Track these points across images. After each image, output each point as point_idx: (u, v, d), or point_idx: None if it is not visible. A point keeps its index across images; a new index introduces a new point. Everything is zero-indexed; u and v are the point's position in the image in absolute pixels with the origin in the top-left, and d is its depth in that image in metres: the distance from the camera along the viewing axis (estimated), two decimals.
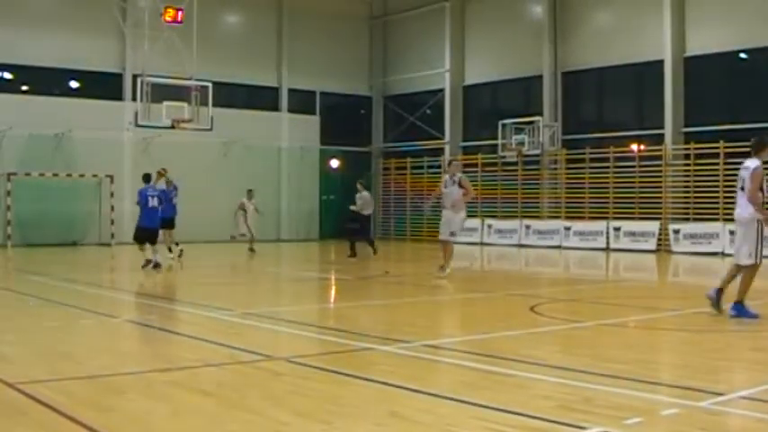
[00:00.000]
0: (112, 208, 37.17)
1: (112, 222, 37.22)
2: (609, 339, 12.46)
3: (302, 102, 44.62)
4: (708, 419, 7.37)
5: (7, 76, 38.02)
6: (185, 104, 30.83)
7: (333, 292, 21.12)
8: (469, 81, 43.34)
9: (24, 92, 38.01)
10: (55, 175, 35.75)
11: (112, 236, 37.01)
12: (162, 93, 30.53)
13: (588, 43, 38.04)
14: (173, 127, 31.27)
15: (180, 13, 32.50)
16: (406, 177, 44.63)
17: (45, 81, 38.13)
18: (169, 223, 26.98)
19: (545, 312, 14.89)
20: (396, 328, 13.08)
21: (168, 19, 32.47)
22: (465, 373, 9.49)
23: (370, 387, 8.66)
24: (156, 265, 23.49)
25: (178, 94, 30.82)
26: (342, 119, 46.76)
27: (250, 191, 33.21)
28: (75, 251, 25.76)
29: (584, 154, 37.37)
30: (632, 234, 34.72)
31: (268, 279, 23.97)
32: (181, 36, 32.42)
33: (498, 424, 7.02)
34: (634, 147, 35.99)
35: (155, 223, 24.41)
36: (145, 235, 24.08)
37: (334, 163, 45.18)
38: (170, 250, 27.05)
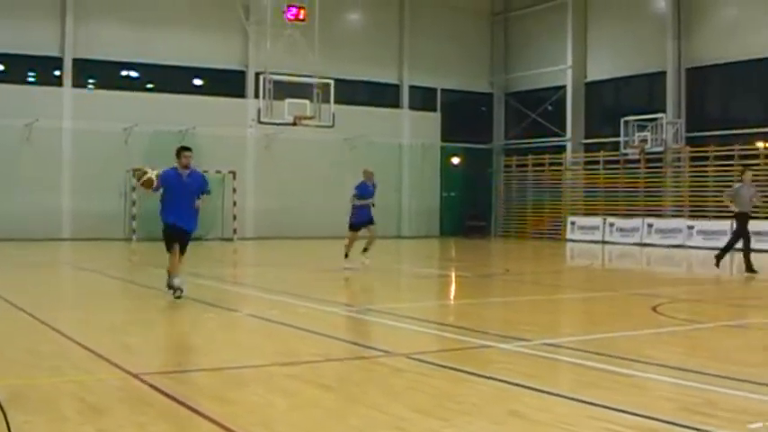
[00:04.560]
0: (235, 204, 37.73)
1: (235, 218, 37.80)
2: (732, 341, 12.20)
3: (423, 98, 44.71)
4: None
5: (133, 74, 38.90)
6: (307, 101, 31.24)
7: (452, 289, 21.09)
8: (591, 77, 42.86)
9: (149, 89, 38.83)
10: None
11: (235, 231, 37.59)
12: (284, 90, 30.98)
13: (714, 38, 37.23)
14: (294, 124, 31.66)
15: (302, 10, 32.97)
16: (527, 175, 44.35)
17: (169, 79, 38.90)
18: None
19: (667, 312, 14.65)
20: (515, 327, 13.01)
21: (291, 17, 32.97)
22: (584, 373, 9.40)
23: (489, 385, 8.63)
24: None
25: (300, 91, 31.22)
26: (463, 116, 46.70)
27: None
28: (198, 246, 26.10)
29: (708, 151, 36.63)
30: (758, 234, 33.82)
31: (388, 275, 23.98)
32: (303, 34, 32.85)
33: (618, 425, 6.94)
34: (760, 144, 35.16)
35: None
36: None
37: (455, 160, 45.18)
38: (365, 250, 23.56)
